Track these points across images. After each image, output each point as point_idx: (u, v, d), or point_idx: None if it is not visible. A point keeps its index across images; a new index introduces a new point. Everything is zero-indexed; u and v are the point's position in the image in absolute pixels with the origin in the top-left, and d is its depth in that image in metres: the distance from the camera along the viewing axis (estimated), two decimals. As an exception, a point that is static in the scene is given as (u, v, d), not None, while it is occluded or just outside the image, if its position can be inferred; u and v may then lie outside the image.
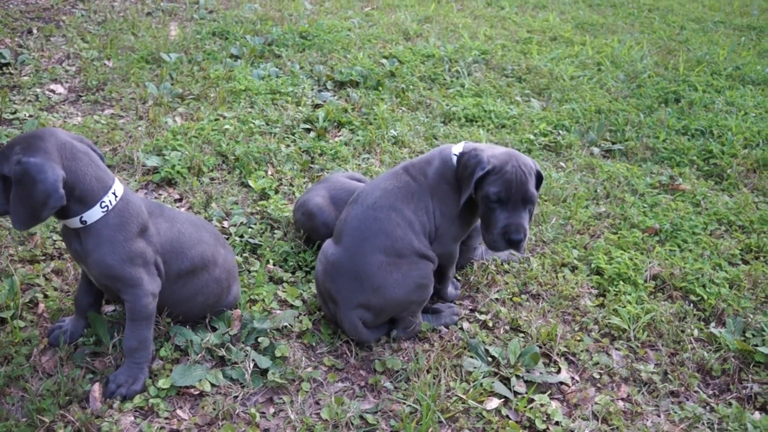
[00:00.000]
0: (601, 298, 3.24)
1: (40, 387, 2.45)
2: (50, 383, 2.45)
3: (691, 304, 3.24)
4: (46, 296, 2.90)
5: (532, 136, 4.82)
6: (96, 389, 2.44)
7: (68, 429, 2.29)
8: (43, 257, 3.16)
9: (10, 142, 2.30)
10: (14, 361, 2.55)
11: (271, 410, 2.48)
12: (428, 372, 2.67)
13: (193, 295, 2.68)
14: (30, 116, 4.53)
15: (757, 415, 2.65)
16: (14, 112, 4.59)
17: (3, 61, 5.36)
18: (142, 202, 2.54)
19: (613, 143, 4.99)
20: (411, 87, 5.54)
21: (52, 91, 5.06)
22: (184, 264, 2.61)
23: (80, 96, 5.01)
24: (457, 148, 2.85)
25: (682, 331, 3.05)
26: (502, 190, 2.67)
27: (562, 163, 4.60)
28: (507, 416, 2.54)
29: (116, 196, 2.40)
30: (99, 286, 2.57)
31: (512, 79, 6.05)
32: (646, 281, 3.35)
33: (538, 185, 2.82)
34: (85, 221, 2.36)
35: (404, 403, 2.52)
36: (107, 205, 2.37)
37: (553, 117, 5.22)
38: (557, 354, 2.87)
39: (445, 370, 2.67)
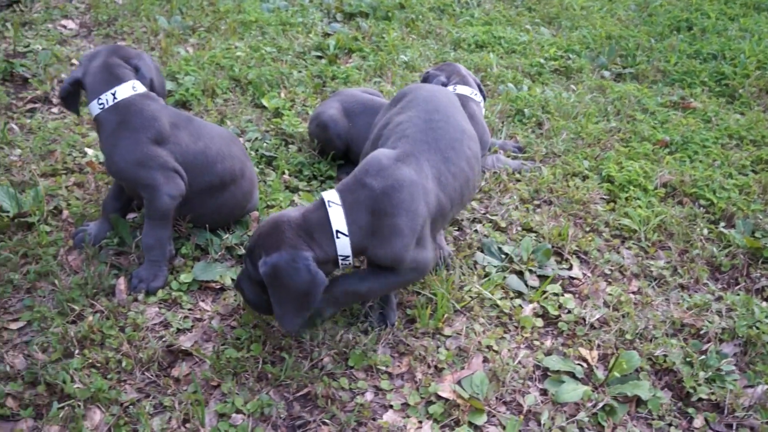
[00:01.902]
0: (612, 204, 3.29)
1: (69, 281, 2.54)
2: (78, 278, 2.54)
3: (701, 208, 3.28)
4: (69, 204, 2.98)
5: (542, 60, 4.82)
6: (121, 282, 2.53)
7: (97, 316, 2.38)
8: (64, 171, 3.23)
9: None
10: (42, 260, 2.64)
11: (291, 301, 2.56)
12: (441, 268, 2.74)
13: (221, 207, 2.75)
14: (43, 49, 4.57)
15: (765, 304, 2.71)
16: (27, 46, 4.62)
17: (13, -1, 5.38)
18: (163, 113, 2.62)
19: (624, 67, 4.98)
20: (420, 17, 5.52)
21: (64, 27, 5.08)
22: (211, 178, 2.67)
23: (91, 30, 5.04)
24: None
25: (692, 232, 3.10)
26: None
27: (572, 86, 4.60)
28: (520, 305, 2.61)
29: (114, 97, 2.54)
30: (121, 183, 2.67)
31: (522, 9, 6.02)
32: (656, 188, 3.39)
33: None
34: (89, 112, 2.65)
35: (420, 294, 2.60)
36: (103, 103, 2.57)
37: (564, 43, 5.21)
38: (569, 252, 2.93)
39: (460, 267, 2.74)
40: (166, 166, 2.56)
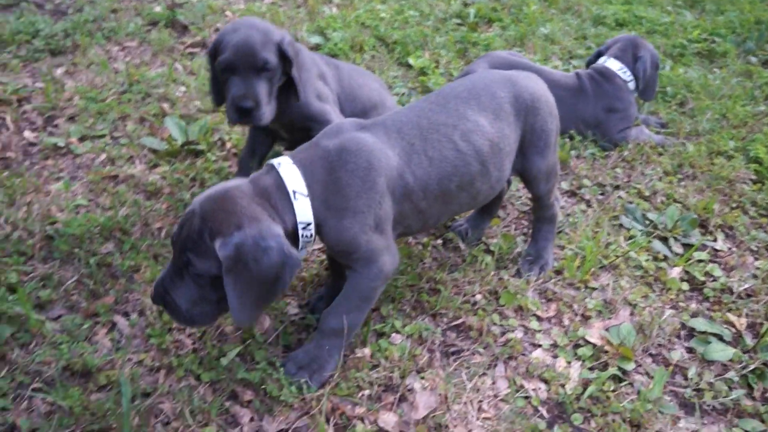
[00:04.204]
0: (759, 184, 3.23)
1: (236, 204, 2.72)
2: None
3: None
4: (230, 138, 3.18)
5: (685, 42, 4.73)
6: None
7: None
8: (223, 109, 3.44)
9: None
10: (209, 183, 2.84)
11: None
12: (588, 227, 2.78)
13: None
14: (198, 0, 4.83)
15: None
16: (184, -3, 4.91)
17: (169, -46, 5.68)
18: (314, 54, 2.80)
19: (772, 55, 4.82)
20: (559, -7, 5.51)
21: (216, -19, 5.35)
22: (357, 106, 2.81)
23: (241, -14, 5.28)
24: None
25: None
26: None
27: (716, 69, 4.50)
28: (665, 269, 2.62)
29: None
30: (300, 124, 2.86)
31: (664, -10, 5.90)
32: (808, 174, 3.30)
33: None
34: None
35: (566, 247, 2.65)
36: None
37: (708, 26, 5.08)
38: (714, 226, 2.91)
39: (606, 227, 2.77)
40: (331, 100, 2.73)
